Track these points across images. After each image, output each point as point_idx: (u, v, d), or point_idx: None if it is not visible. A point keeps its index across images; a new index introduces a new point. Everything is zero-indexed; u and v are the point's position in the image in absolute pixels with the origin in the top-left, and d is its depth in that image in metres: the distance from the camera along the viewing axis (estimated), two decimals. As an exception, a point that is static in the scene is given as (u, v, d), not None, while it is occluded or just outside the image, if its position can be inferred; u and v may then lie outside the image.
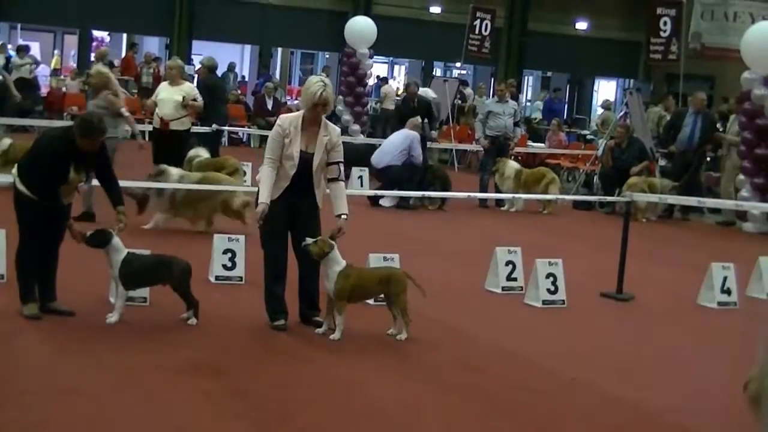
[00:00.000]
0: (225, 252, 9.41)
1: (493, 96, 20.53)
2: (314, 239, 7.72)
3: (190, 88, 14.73)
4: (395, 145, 16.30)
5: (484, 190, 16.95)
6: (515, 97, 23.16)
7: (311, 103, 7.82)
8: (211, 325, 7.82)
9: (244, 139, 25.08)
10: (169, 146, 14.32)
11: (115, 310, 7.69)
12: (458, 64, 33.44)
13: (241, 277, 9.39)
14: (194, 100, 14.44)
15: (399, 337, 7.88)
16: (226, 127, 18.79)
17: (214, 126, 16.35)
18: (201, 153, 14.48)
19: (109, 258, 7.69)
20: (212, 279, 9.33)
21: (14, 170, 7.77)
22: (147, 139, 14.76)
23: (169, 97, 14.30)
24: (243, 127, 24.42)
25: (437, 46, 32.46)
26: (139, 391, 6.23)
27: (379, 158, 16.43)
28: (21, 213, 7.63)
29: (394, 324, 7.97)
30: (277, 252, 7.98)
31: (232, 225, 11.71)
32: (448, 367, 7.40)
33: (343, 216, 7.88)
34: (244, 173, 15.09)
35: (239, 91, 28.61)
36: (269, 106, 24.36)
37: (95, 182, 8.01)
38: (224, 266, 9.39)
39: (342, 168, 8.04)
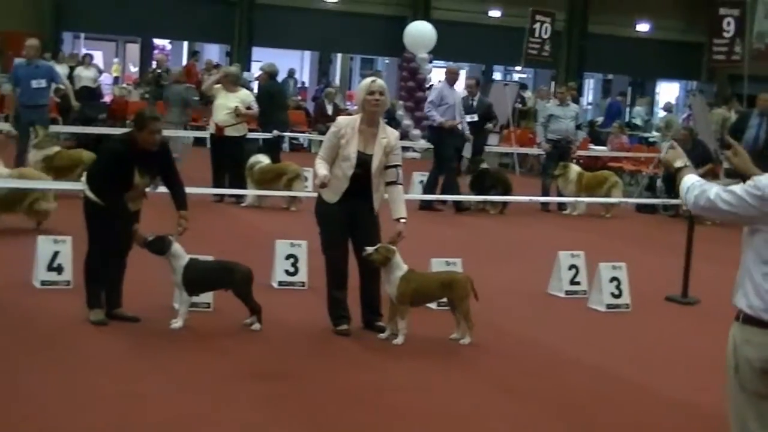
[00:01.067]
0: (287, 257, 9.42)
1: (554, 99, 20.40)
2: (375, 247, 7.68)
3: (246, 95, 14.91)
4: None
5: (546, 193, 16.85)
6: (576, 100, 22.99)
7: (366, 91, 7.80)
8: (274, 331, 7.84)
9: (305, 145, 25.19)
10: (225, 153, 14.53)
11: (179, 315, 7.75)
12: (518, 68, 33.29)
13: (304, 283, 9.38)
14: (249, 107, 14.63)
15: (462, 342, 7.84)
16: (287, 133, 18.90)
17: (275, 132, 16.46)
18: (261, 159, 14.57)
19: (170, 264, 7.74)
20: (275, 284, 9.35)
21: (83, 178, 7.88)
22: (207, 145, 14.90)
23: (224, 103, 14.52)
24: (303, 132, 24.55)
25: (497, 50, 32.39)
26: (202, 396, 6.26)
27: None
28: (90, 220, 7.73)
29: (457, 328, 7.93)
30: (337, 258, 7.95)
31: (286, 229, 11.47)
32: (512, 372, 7.35)
33: (402, 220, 7.82)
34: (306, 179, 15.13)
35: (299, 97, 28.79)
36: (329, 112, 24.44)
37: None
38: (287, 272, 9.40)
39: (400, 171, 7.97)
